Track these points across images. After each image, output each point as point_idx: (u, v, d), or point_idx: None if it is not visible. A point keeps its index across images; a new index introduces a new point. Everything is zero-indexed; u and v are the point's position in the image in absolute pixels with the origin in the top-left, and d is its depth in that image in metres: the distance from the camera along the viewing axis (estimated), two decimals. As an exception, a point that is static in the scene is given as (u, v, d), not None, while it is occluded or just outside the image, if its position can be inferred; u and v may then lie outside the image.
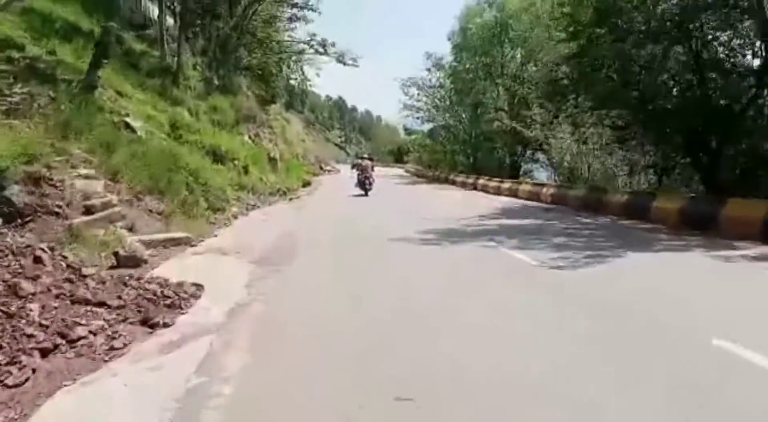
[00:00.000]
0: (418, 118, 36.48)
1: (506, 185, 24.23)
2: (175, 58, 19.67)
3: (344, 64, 27.53)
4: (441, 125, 35.99)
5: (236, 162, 16.72)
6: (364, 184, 21.75)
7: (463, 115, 33.89)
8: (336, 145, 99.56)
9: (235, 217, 12.23)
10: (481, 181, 27.25)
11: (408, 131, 39.94)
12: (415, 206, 17.55)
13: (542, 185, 21.84)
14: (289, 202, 17.86)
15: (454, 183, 30.91)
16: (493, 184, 25.68)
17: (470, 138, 33.23)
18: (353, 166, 28.25)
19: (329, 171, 49.51)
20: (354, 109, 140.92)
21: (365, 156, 29.26)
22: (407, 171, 51.08)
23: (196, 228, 9.34)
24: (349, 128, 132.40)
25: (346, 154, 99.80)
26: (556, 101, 22.19)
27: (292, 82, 31.93)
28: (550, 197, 19.12)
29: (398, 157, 73.34)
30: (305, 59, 29.50)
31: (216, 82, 24.13)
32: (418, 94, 35.80)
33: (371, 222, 13.18)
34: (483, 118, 32.06)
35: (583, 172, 22.60)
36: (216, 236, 9.64)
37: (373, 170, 22.95)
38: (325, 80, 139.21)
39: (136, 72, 16.23)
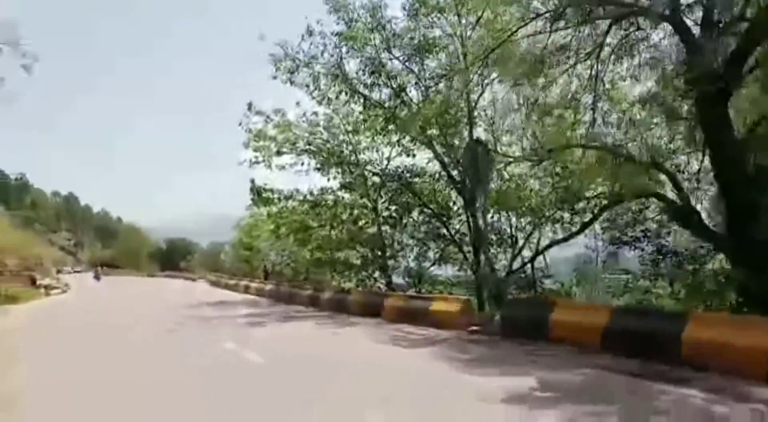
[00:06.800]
0: (304, 151, 16.67)
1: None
2: None
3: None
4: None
5: None
6: (98, 278, 46.05)
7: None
8: (63, 249, 75.32)
9: None
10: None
11: (258, 191, 19.73)
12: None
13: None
14: None
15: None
16: None
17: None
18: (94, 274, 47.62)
19: (52, 288, 27.75)
20: (88, 207, 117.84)
21: (99, 268, 53.97)
22: (228, 287, 32.43)
23: None
24: (81, 230, 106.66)
25: (76, 260, 76.71)
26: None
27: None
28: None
29: (168, 263, 52.67)
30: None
31: None
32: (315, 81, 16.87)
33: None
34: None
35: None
36: None
37: (102, 273, 50.17)
38: (54, 175, 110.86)
39: None
